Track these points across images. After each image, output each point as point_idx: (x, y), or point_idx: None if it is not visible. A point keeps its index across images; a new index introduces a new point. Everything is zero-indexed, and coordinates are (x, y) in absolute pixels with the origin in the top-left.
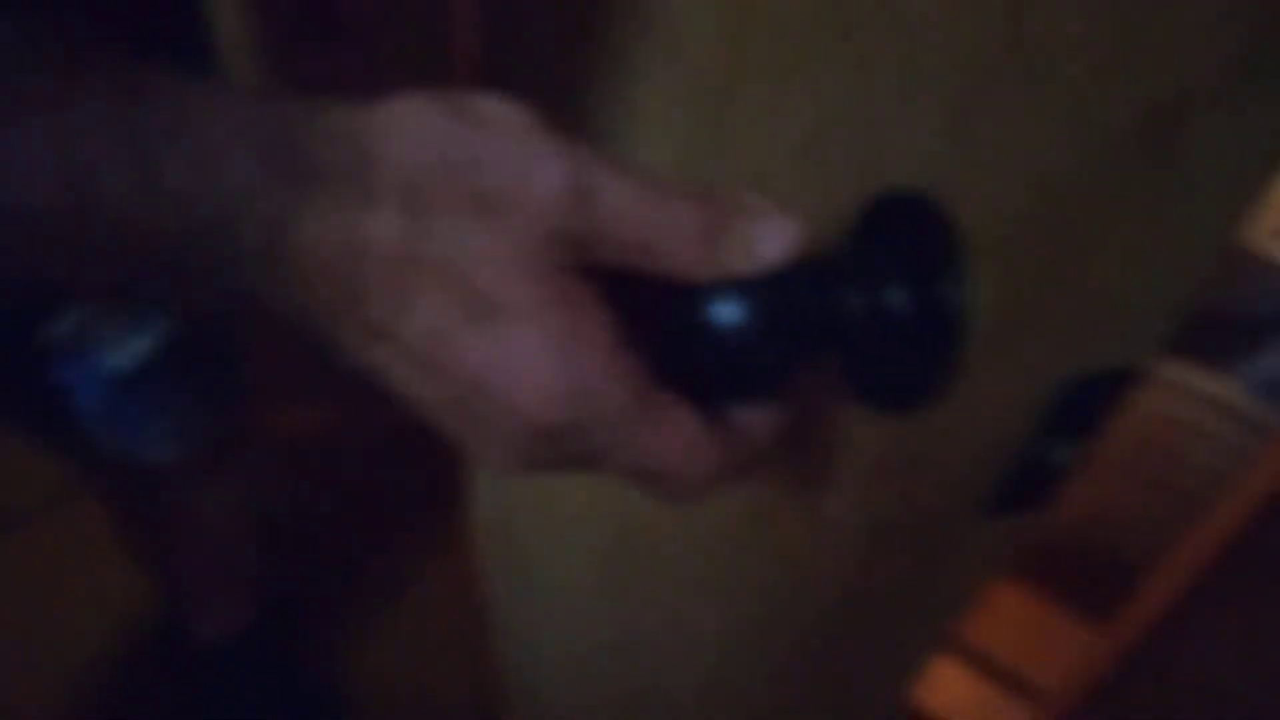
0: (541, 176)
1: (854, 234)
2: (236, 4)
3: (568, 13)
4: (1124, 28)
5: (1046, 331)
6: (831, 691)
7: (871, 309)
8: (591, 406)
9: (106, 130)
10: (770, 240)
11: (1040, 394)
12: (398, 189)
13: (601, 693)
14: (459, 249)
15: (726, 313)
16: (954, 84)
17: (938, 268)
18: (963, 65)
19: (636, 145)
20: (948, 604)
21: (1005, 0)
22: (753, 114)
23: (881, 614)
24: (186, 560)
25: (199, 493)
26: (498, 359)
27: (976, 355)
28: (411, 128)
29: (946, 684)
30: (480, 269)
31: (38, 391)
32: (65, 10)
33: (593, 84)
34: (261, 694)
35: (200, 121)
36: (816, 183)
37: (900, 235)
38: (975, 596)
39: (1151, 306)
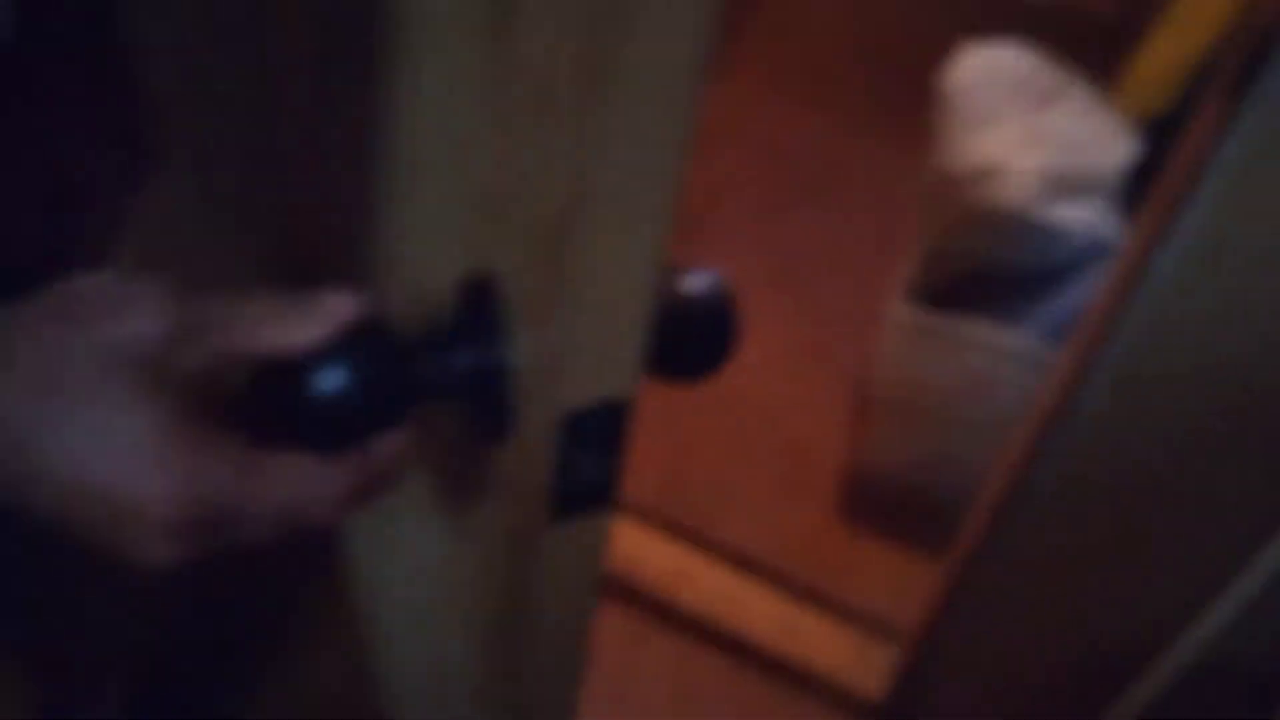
0: (135, 313)
1: (449, 308)
2: None
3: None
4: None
5: (554, 375)
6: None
7: (442, 368)
8: (203, 491)
9: None
10: (328, 311)
11: (556, 423)
12: None
13: None
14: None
15: (319, 380)
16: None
17: (494, 332)
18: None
19: None
20: (567, 596)
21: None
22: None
23: (523, 614)
24: (74, 646)
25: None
26: (106, 468)
27: (523, 396)
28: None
29: (817, 637)
30: (72, 379)
31: None
32: None
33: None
34: None
35: None
36: (427, 268)
37: (473, 309)
38: (589, 589)
39: (620, 349)
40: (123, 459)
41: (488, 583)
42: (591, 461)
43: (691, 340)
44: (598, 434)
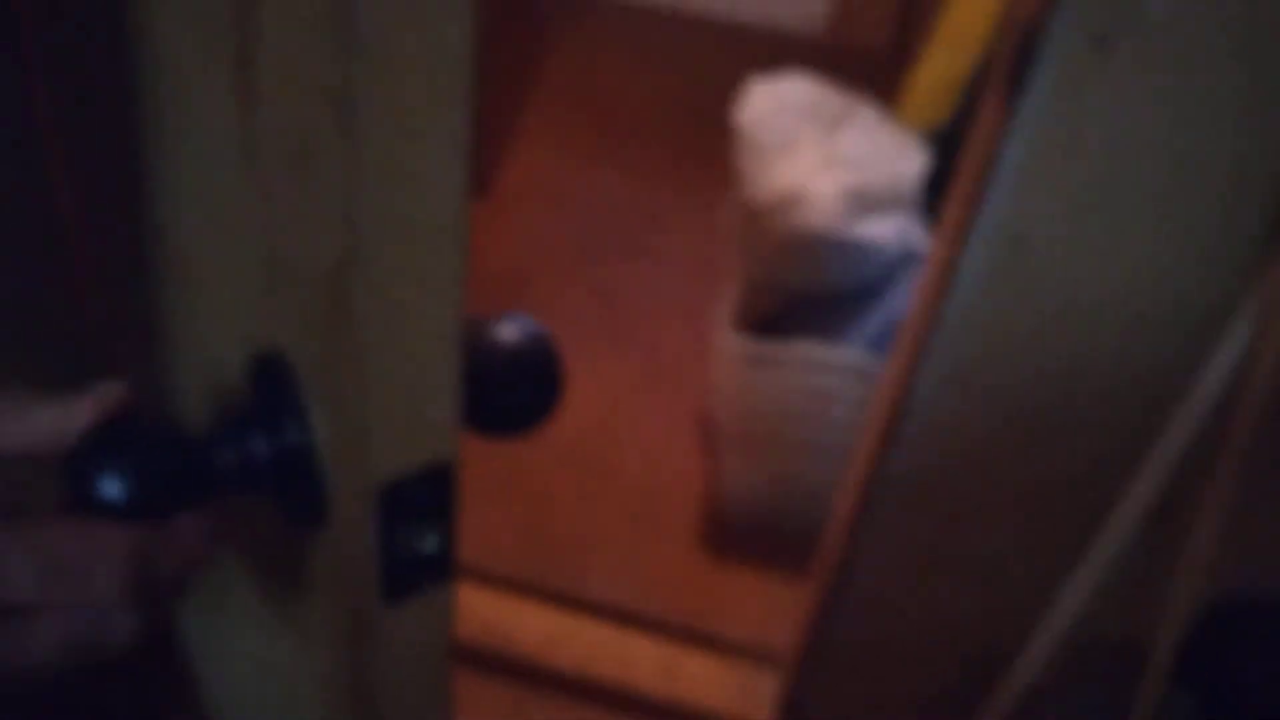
0: None
1: (240, 391)
2: None
3: None
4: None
5: (361, 448)
6: None
7: (240, 456)
8: None
9: None
10: (92, 402)
11: (373, 499)
12: None
13: None
14: None
15: (87, 474)
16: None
17: (289, 413)
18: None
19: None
20: (416, 677)
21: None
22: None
23: (371, 702)
24: None
25: None
26: None
27: (331, 475)
28: None
29: (700, 676)
30: None
31: None
32: None
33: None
34: None
35: None
36: (215, 351)
37: (265, 390)
38: (438, 666)
39: (430, 409)
40: None
41: (331, 674)
42: (420, 532)
43: (513, 389)
44: (422, 503)
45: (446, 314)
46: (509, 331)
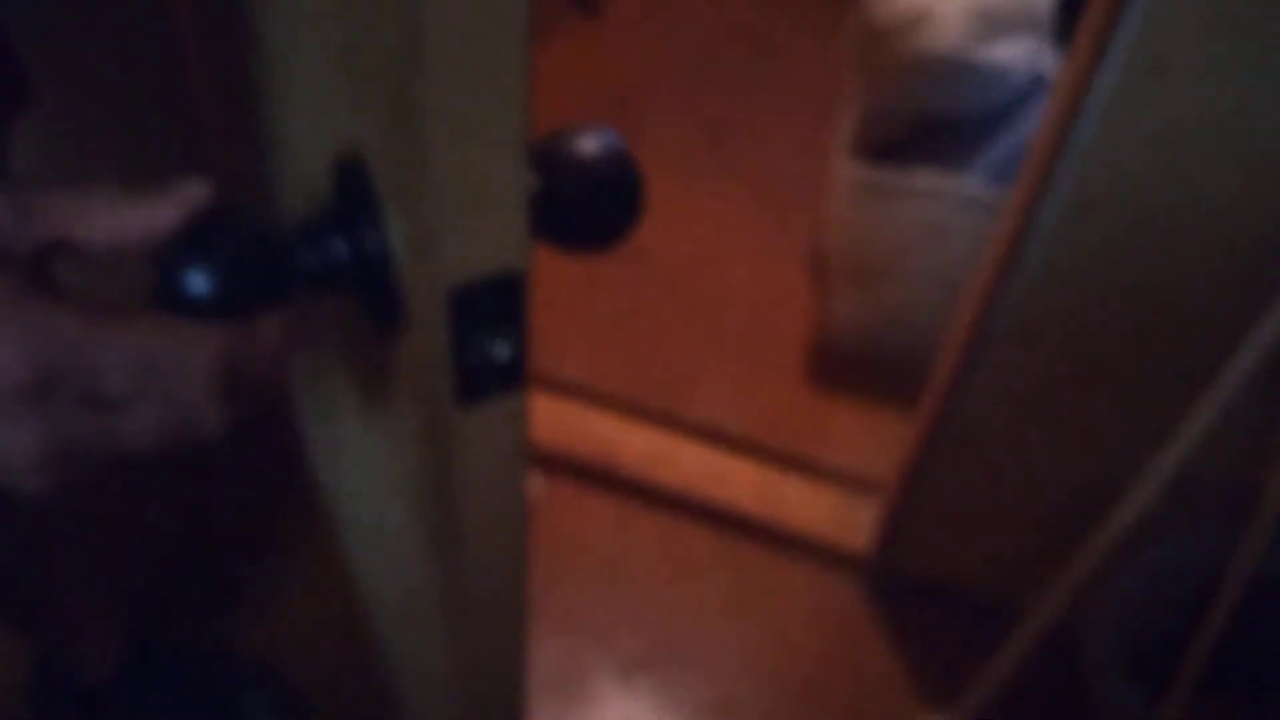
0: None
1: (323, 194)
2: None
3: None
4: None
5: (429, 251)
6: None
7: (321, 258)
8: (47, 345)
9: None
10: (179, 199)
11: (444, 302)
12: None
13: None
14: None
15: (174, 268)
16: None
17: (370, 217)
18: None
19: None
20: (492, 473)
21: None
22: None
23: (451, 496)
24: (60, 598)
25: (70, 523)
26: None
27: (407, 280)
28: None
29: (800, 500)
30: None
31: None
32: None
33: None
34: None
35: None
36: (303, 152)
37: (346, 193)
38: (514, 466)
39: (499, 216)
40: None
41: (414, 472)
42: (491, 338)
43: (590, 202)
44: (492, 309)
45: (510, 116)
46: (589, 144)
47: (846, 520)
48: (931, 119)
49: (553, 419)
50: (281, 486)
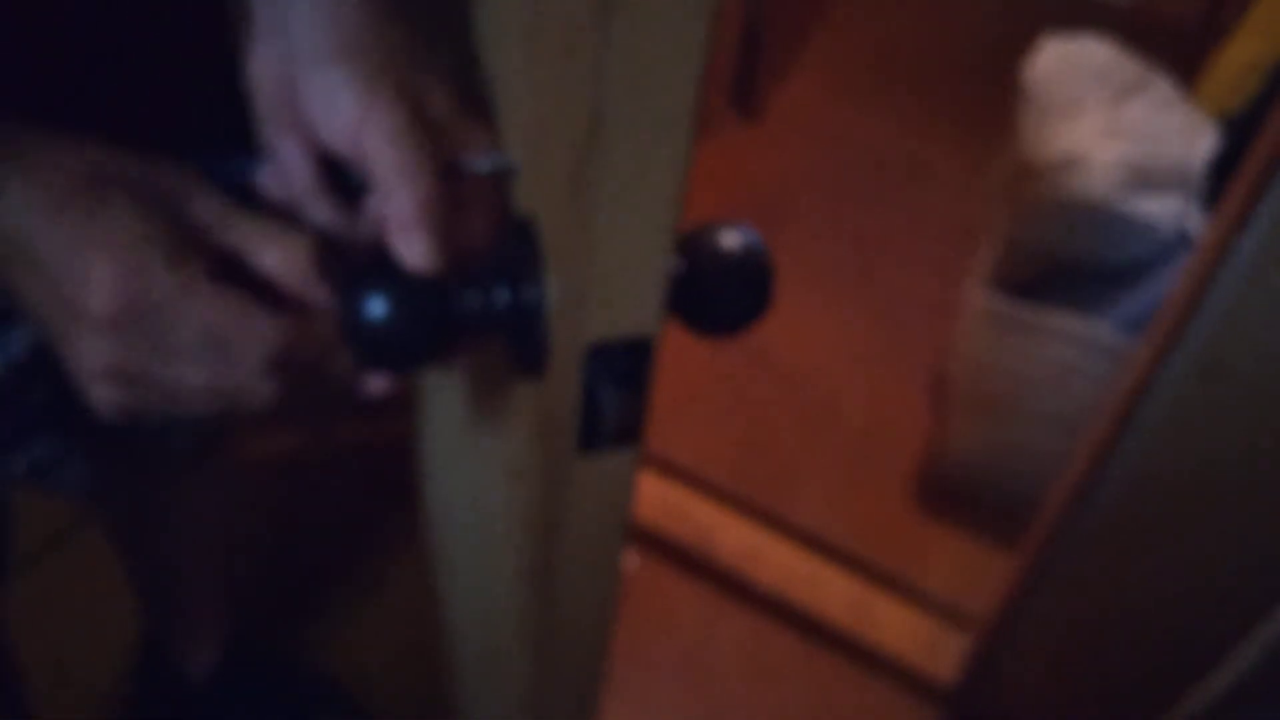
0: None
1: (498, 248)
2: None
3: None
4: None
5: (576, 309)
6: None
7: (484, 303)
8: (139, 286)
9: None
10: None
11: (583, 354)
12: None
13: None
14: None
15: (372, 308)
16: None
17: (534, 271)
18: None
19: None
20: (597, 527)
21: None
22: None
23: (558, 546)
24: (171, 583)
25: (181, 512)
26: (70, 247)
27: (553, 331)
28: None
29: (892, 621)
30: (62, 178)
31: None
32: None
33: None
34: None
35: None
36: None
37: (514, 246)
38: (618, 523)
39: (640, 286)
40: (77, 235)
41: (525, 507)
42: (616, 397)
43: (723, 289)
44: (621, 370)
45: (667, 200)
46: (731, 238)
47: (935, 647)
48: (1072, 262)
49: (654, 498)
50: (382, 510)
